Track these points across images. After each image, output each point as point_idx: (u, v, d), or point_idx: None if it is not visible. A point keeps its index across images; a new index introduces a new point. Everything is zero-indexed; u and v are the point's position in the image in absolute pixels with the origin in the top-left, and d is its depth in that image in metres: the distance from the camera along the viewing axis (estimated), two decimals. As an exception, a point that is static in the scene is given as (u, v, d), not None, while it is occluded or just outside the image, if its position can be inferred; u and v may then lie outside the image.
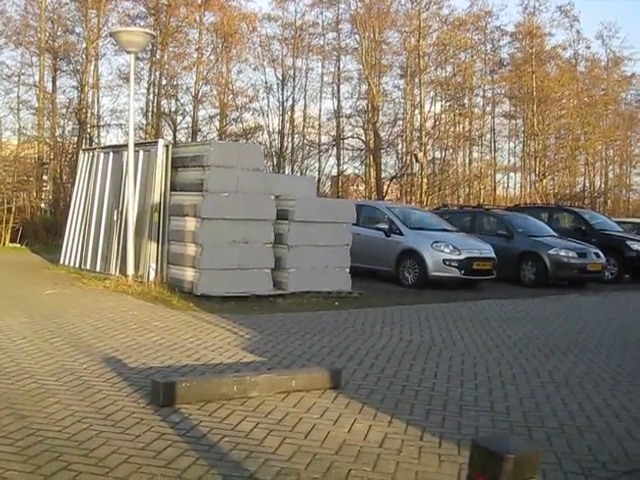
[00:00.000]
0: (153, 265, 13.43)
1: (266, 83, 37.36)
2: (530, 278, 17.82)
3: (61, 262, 16.38)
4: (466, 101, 41.17)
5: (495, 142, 42.95)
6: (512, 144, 44.62)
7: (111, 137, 33.74)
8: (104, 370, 6.92)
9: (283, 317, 10.94)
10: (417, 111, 38.00)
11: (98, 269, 14.92)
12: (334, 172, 39.46)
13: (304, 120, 38.93)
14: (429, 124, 38.14)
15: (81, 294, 12.49)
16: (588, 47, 43.31)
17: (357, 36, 37.22)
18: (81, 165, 16.85)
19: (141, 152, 14.34)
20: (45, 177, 28.94)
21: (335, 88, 39.55)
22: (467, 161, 42.36)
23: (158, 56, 33.38)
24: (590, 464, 5.00)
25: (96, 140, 30.41)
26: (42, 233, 24.19)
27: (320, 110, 40.24)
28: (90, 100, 30.87)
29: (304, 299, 12.84)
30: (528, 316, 12.53)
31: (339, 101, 39.24)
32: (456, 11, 39.39)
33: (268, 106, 37.42)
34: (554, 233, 19.29)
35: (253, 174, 13.19)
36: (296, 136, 38.59)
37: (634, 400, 6.80)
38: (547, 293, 16.10)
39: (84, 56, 30.27)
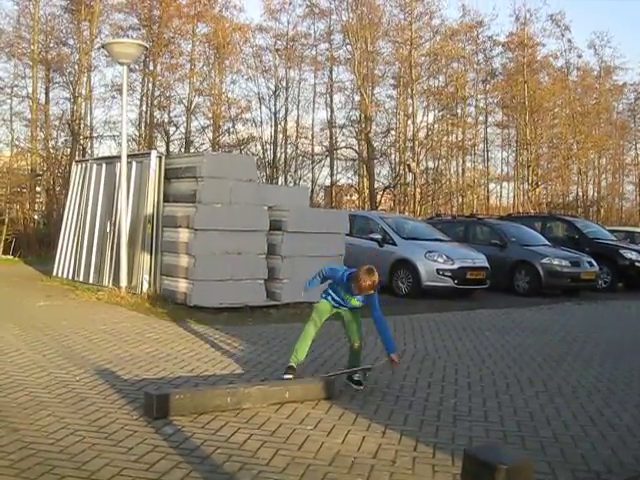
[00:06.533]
0: (146, 276, 13.42)
1: (259, 94, 37.46)
2: (523, 287, 17.84)
3: (54, 274, 16.35)
4: (459, 111, 41.25)
5: (488, 152, 43.08)
6: (505, 153, 44.78)
7: (104, 148, 33.90)
8: (97, 382, 6.90)
9: (277, 328, 10.92)
10: (410, 121, 38.04)
11: (91, 281, 14.90)
12: (327, 182, 39.57)
13: (297, 130, 39.00)
14: (422, 134, 38.22)
15: (74, 306, 12.46)
16: (580, 56, 43.48)
17: (349, 47, 37.31)
18: (74, 176, 16.84)
19: (134, 163, 14.34)
20: (38, 189, 28.93)
21: (328, 98, 39.67)
22: (460, 171, 42.41)
23: (151, 67, 33.43)
24: (584, 474, 4.99)
25: (89, 151, 30.37)
26: (35, 245, 24.17)
27: (313, 120, 40.27)
28: (83, 111, 30.85)
29: (298, 310, 12.77)
30: (521, 325, 12.54)
31: (332, 111, 39.36)
32: (447, 21, 39.56)
33: (261, 117, 37.57)
34: (547, 242, 19.32)
35: (246, 185, 13.20)
36: (289, 146, 38.62)
37: (628, 409, 6.80)
38: (540, 302, 16.10)
39: (77, 67, 30.29)
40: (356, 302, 7.19)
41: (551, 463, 5.14)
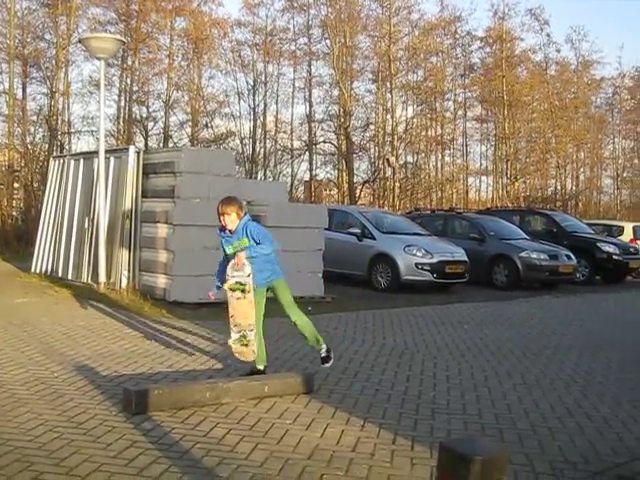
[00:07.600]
0: (125, 272, 13.38)
1: (237, 88, 37.41)
2: (502, 281, 17.92)
3: (32, 270, 16.23)
4: (437, 105, 41.36)
5: (467, 146, 43.21)
6: (484, 148, 44.95)
7: (82, 144, 33.54)
8: (76, 378, 6.88)
9: (256, 323, 10.88)
10: (389, 115, 38.18)
11: (70, 277, 14.82)
12: (306, 177, 39.57)
13: (276, 125, 39.05)
14: (401, 128, 38.32)
15: (53, 302, 12.39)
16: (558, 51, 43.65)
17: (328, 41, 37.34)
18: (52, 172, 16.73)
19: (112, 159, 14.28)
20: (16, 185, 28.69)
21: (307, 93, 39.66)
22: (439, 165, 42.57)
23: (129, 62, 33.26)
24: (561, 464, 5.04)
25: (67, 147, 30.18)
26: (13, 241, 23.96)
27: (292, 115, 40.36)
28: (61, 107, 30.63)
29: (277, 305, 12.78)
30: (500, 318, 12.60)
31: (311, 106, 39.35)
32: (426, 16, 39.67)
33: (240, 111, 37.49)
34: (526, 236, 19.42)
35: (225, 180, 13.15)
36: (268, 141, 38.61)
37: (605, 401, 6.87)
38: (519, 295, 16.20)
39: (54, 63, 30.08)
40: (245, 241, 7.01)
41: (529, 455, 5.19)
